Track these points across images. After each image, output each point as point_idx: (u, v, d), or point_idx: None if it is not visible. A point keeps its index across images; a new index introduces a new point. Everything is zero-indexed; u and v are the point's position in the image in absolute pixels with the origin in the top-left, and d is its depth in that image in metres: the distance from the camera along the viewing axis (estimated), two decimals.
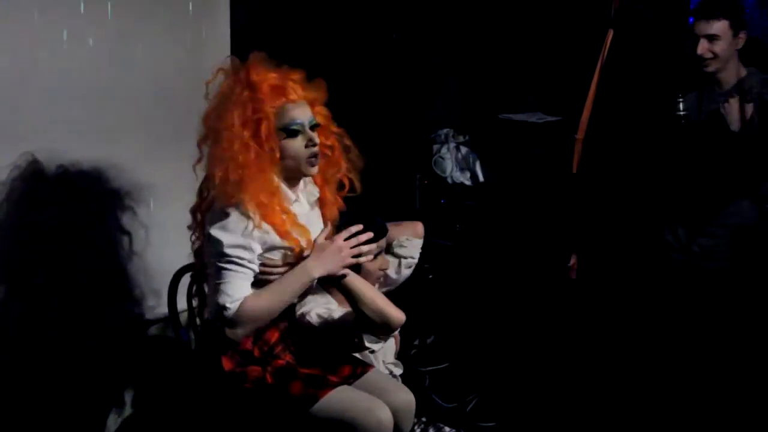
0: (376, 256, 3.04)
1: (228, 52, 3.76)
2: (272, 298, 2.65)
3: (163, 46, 3.57)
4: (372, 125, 4.25)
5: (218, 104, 2.69)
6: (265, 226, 2.63)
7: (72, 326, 3.28)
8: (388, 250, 3.25)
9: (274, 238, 2.66)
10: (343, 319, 2.95)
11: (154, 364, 3.62)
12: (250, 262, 2.62)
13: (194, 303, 3.03)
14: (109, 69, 3.35)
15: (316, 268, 2.68)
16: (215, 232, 2.61)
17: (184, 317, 3.14)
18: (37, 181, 3.11)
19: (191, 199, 2.82)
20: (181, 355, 3.08)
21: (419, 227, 3.35)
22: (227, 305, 2.59)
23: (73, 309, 3.28)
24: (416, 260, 3.29)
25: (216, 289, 2.61)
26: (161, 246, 3.47)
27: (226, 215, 2.60)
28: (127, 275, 3.48)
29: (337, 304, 3.05)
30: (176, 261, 3.11)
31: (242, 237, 2.59)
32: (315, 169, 2.73)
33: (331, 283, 2.82)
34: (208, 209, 2.72)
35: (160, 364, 3.63)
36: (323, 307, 3.01)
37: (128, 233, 3.45)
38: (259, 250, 2.64)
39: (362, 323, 2.81)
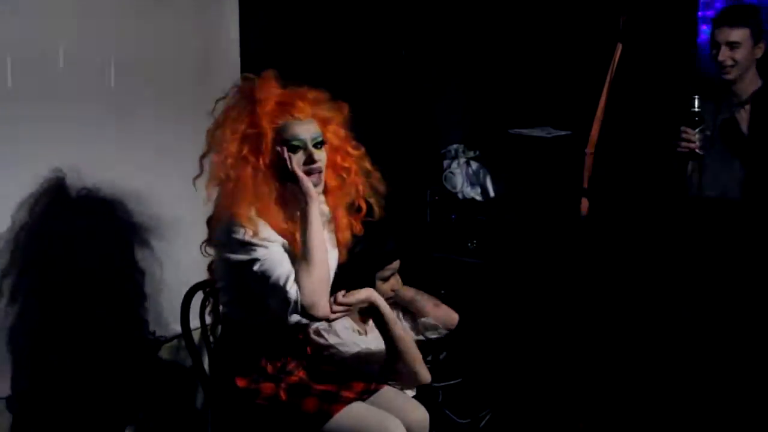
0: (387, 279, 3.06)
1: (238, 71, 3.80)
2: (316, 259, 2.62)
3: (175, 54, 3.61)
4: (382, 141, 4.26)
5: (219, 119, 2.71)
6: (267, 231, 2.64)
7: (85, 344, 3.29)
8: (415, 319, 3.28)
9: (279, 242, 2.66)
10: (360, 349, 2.96)
11: (168, 383, 3.63)
12: (274, 245, 2.62)
13: (207, 320, 3.03)
14: (125, 92, 3.38)
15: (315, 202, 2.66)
16: (223, 249, 2.64)
17: (197, 335, 3.16)
18: (56, 201, 3.13)
19: (203, 216, 2.84)
20: (194, 373, 3.08)
21: (454, 319, 3.36)
22: (289, 291, 2.57)
23: (87, 327, 3.29)
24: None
25: (267, 286, 2.59)
26: (175, 263, 3.49)
27: (231, 227, 2.61)
28: (140, 293, 3.49)
29: (355, 327, 3.07)
30: (190, 278, 3.12)
31: (253, 235, 2.60)
32: (317, 188, 2.70)
33: (370, 314, 2.84)
34: (215, 226, 2.73)
35: (173, 383, 3.64)
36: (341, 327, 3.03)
37: (143, 250, 3.47)
38: (274, 236, 2.64)
39: (389, 368, 2.85)
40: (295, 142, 2.65)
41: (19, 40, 3.02)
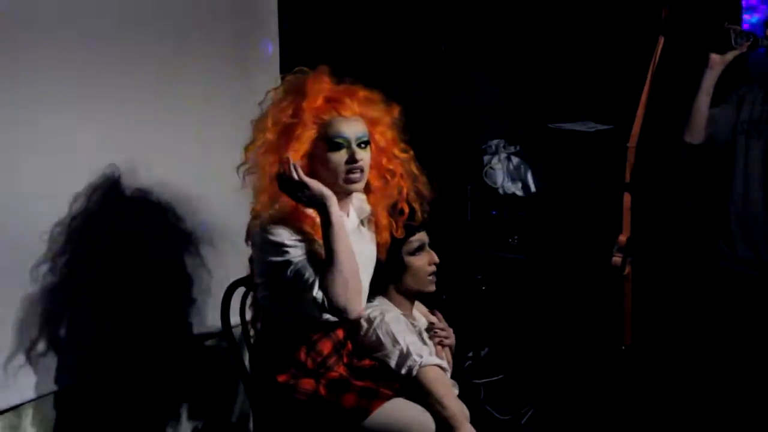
0: (415, 252, 3.03)
1: (278, 69, 3.82)
2: (340, 259, 2.58)
3: (215, 63, 3.63)
4: (422, 137, 4.26)
5: (266, 110, 2.73)
6: (301, 232, 2.65)
7: (129, 341, 3.32)
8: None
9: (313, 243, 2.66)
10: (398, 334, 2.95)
11: (209, 378, 3.65)
12: (306, 247, 2.63)
13: (248, 316, 3.04)
14: (163, 93, 3.41)
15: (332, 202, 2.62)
16: (257, 248, 2.67)
17: (238, 331, 3.17)
18: (98, 200, 3.16)
19: (243, 214, 2.86)
20: (235, 370, 3.10)
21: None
22: (317, 300, 2.58)
23: (132, 324, 3.32)
24: None
25: (300, 289, 2.60)
26: (217, 259, 3.51)
27: (263, 224, 2.63)
28: (182, 289, 3.52)
29: (399, 312, 3.06)
30: (231, 274, 3.14)
31: (284, 235, 2.61)
32: (355, 186, 2.70)
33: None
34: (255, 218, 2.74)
35: (214, 378, 3.66)
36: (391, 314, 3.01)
37: (185, 246, 3.49)
38: (304, 237, 2.65)
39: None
40: (338, 140, 2.65)
41: None
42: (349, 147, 2.66)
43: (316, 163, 2.68)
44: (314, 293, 2.58)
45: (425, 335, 3.08)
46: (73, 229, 3.09)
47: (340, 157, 2.65)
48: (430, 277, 3.05)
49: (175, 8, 3.46)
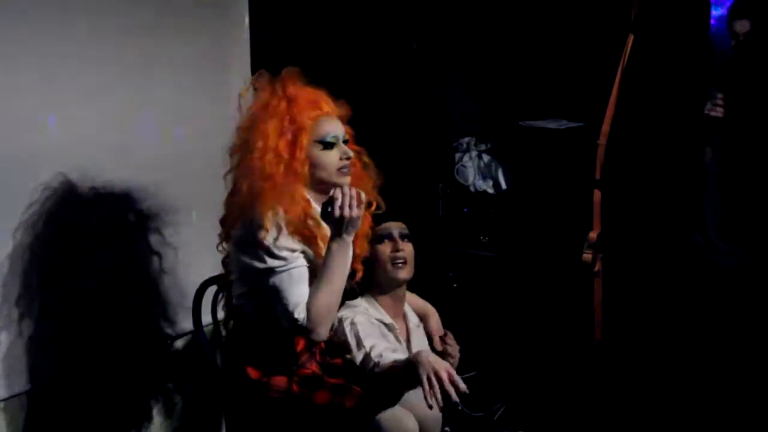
0: (383, 239, 3.10)
1: (249, 68, 3.81)
2: (333, 287, 2.63)
3: (186, 65, 3.61)
4: (394, 135, 4.26)
5: (254, 115, 2.73)
6: (292, 237, 2.64)
7: (99, 341, 3.30)
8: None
9: (303, 247, 2.67)
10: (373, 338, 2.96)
11: (180, 378, 3.63)
12: (296, 260, 2.63)
13: (220, 315, 3.04)
14: (133, 89, 3.38)
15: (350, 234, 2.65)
16: (249, 247, 2.63)
17: (209, 330, 3.16)
18: (69, 199, 3.14)
19: (217, 214, 2.85)
20: (206, 368, 3.08)
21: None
22: (296, 315, 2.59)
23: (101, 324, 3.30)
24: None
25: (279, 301, 2.61)
26: (187, 260, 3.49)
27: (256, 228, 2.61)
28: (153, 289, 3.50)
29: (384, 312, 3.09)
30: (202, 274, 3.13)
31: (277, 242, 2.60)
32: (347, 179, 2.75)
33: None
34: (235, 223, 2.73)
35: (185, 378, 3.64)
36: (363, 316, 3.03)
37: (155, 249, 3.47)
38: (298, 246, 2.65)
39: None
40: (330, 139, 2.72)
41: None
42: (338, 144, 2.74)
43: (311, 165, 2.72)
44: (295, 314, 2.59)
45: (421, 329, 3.17)
46: (43, 227, 3.06)
47: (334, 155, 2.73)
48: (396, 263, 3.07)
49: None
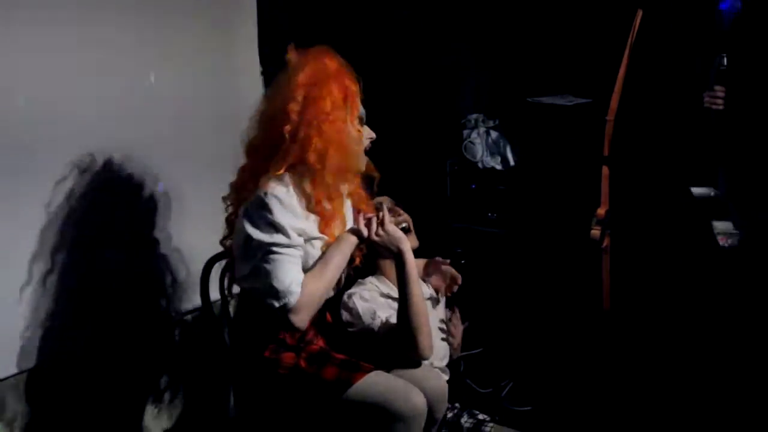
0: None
1: (256, 51, 3.84)
2: (327, 276, 2.68)
3: (192, 49, 3.62)
4: (402, 113, 4.25)
5: (315, 74, 2.69)
6: (311, 216, 2.68)
7: (108, 319, 3.31)
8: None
9: (314, 228, 2.69)
10: (383, 309, 2.97)
11: (189, 354, 3.65)
12: (296, 237, 2.64)
13: (227, 291, 3.04)
14: (138, 72, 3.40)
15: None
16: (247, 219, 2.62)
17: (217, 306, 3.17)
18: (77, 179, 3.16)
19: (220, 190, 2.85)
20: (215, 345, 3.10)
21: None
22: (289, 294, 2.60)
23: (108, 301, 3.31)
24: None
25: (270, 279, 2.61)
26: (196, 236, 3.50)
27: (260, 202, 2.61)
28: (160, 267, 3.51)
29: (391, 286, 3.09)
30: (210, 250, 3.13)
31: (295, 217, 2.63)
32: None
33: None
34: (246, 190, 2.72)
35: (195, 354, 3.66)
36: (373, 292, 3.04)
37: (162, 222, 3.49)
38: (308, 228, 2.68)
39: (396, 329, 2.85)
40: (363, 116, 2.78)
41: None
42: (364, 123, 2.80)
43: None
44: (284, 296, 2.60)
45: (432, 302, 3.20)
46: (47, 208, 3.08)
47: (366, 131, 2.78)
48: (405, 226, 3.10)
49: None
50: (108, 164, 3.25)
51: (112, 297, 3.31)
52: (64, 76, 3.09)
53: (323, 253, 2.71)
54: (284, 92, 2.68)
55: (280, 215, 2.60)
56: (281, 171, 2.64)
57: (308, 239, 2.69)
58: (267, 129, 2.71)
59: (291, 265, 2.62)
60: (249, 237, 2.63)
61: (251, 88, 3.86)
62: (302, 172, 2.68)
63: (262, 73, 3.99)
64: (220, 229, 2.90)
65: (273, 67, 3.36)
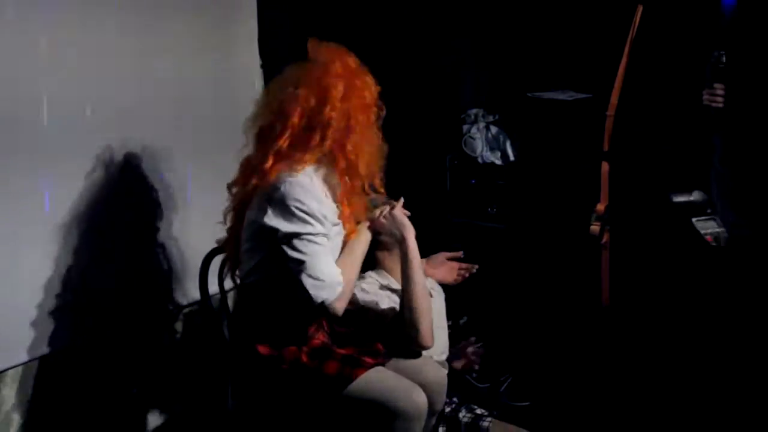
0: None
1: (257, 50, 3.87)
2: (357, 264, 2.78)
3: (192, 44, 3.63)
4: (402, 108, 4.24)
5: (351, 66, 2.73)
6: (332, 205, 2.71)
7: (106, 312, 3.31)
8: None
9: (334, 216, 2.71)
10: (384, 302, 2.97)
11: (187, 346, 3.65)
12: (327, 235, 2.66)
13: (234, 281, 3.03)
14: (138, 70, 3.39)
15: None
16: (270, 209, 2.61)
17: (216, 300, 3.17)
18: (75, 170, 3.16)
19: (220, 185, 2.85)
20: (214, 339, 3.09)
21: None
22: (336, 285, 2.63)
23: (108, 294, 3.31)
24: None
25: (311, 269, 2.60)
26: (193, 230, 3.50)
27: (286, 190, 2.59)
28: (159, 260, 3.51)
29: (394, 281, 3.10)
30: (210, 242, 3.13)
31: (320, 204, 2.64)
32: None
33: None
34: (247, 185, 2.71)
35: (193, 348, 3.66)
36: (373, 285, 3.06)
37: (161, 219, 3.48)
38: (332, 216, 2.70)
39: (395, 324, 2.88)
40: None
41: None
42: None
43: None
44: (321, 278, 2.61)
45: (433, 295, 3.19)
46: (48, 204, 3.08)
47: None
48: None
49: None
50: (109, 160, 3.24)
51: (111, 290, 3.31)
52: (64, 76, 3.08)
53: (354, 242, 2.78)
54: (316, 80, 2.67)
55: (308, 203, 2.59)
56: (312, 162, 2.65)
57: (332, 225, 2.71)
58: (288, 115, 2.65)
59: (326, 255, 2.64)
60: (273, 229, 2.61)
61: (251, 86, 3.85)
62: (330, 161, 2.69)
63: (262, 72, 4.00)
64: (218, 223, 2.89)
65: (273, 66, 3.36)
